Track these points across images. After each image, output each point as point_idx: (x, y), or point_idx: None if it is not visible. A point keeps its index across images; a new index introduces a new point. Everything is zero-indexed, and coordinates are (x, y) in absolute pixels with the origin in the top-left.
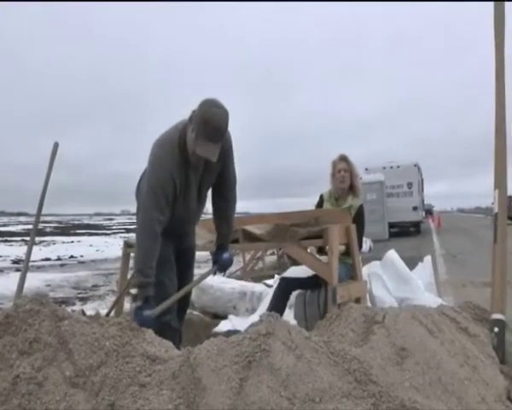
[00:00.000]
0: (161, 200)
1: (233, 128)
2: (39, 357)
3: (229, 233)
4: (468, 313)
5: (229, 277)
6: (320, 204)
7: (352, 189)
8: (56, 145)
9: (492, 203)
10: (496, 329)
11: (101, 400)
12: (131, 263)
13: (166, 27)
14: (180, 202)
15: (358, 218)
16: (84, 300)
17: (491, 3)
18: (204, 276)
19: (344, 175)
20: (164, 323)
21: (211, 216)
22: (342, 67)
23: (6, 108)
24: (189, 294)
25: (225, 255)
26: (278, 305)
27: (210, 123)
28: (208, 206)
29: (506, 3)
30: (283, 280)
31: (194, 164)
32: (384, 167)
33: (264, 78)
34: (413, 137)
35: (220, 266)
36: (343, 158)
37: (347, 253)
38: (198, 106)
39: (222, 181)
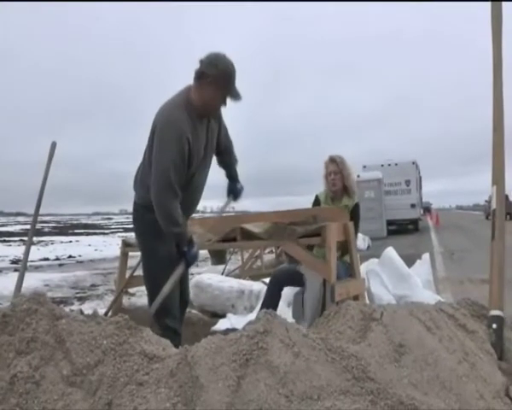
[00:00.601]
0: (178, 161)
1: (232, 126)
2: (37, 356)
3: (235, 166)
4: (466, 310)
5: (227, 275)
6: (316, 205)
7: (345, 190)
8: (54, 145)
9: (486, 201)
10: (494, 325)
11: (99, 399)
12: (130, 262)
13: (166, 27)
14: (192, 163)
15: (353, 217)
16: (82, 299)
17: (489, 3)
18: (224, 206)
19: (334, 178)
20: (166, 326)
21: (208, 215)
22: (340, 65)
23: (4, 107)
24: (187, 294)
25: (238, 185)
26: (272, 299)
27: (232, 74)
28: (206, 205)
29: (503, 3)
30: (275, 276)
31: (199, 120)
32: (382, 165)
33: (263, 76)
34: (411, 136)
35: (235, 195)
36: (333, 160)
37: (345, 250)
38: (209, 65)
39: (220, 137)
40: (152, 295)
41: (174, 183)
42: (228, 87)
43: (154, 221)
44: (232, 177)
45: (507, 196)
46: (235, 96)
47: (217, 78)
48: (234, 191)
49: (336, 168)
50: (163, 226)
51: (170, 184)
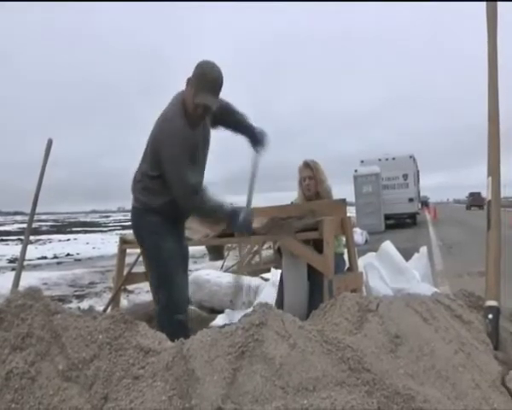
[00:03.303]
0: (188, 164)
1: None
2: (32, 352)
3: (244, 117)
4: (462, 301)
5: (225, 271)
6: None
7: (318, 195)
8: (50, 142)
9: (466, 196)
10: (490, 315)
11: (95, 393)
12: (128, 260)
13: (165, 27)
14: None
15: None
16: (80, 297)
17: (484, 3)
18: (255, 165)
19: (309, 183)
20: (178, 321)
21: None
22: (338, 63)
23: (3, 107)
24: (187, 290)
25: (257, 130)
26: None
27: (208, 75)
28: None
29: (498, 3)
30: None
31: (196, 124)
32: (380, 159)
33: (262, 75)
34: (410, 131)
35: (259, 142)
36: (307, 165)
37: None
38: (195, 68)
39: (220, 113)
40: (160, 293)
41: (195, 185)
42: (199, 86)
43: (152, 221)
44: (246, 127)
45: (479, 193)
46: (200, 98)
47: (192, 78)
48: (256, 140)
49: (311, 173)
50: (213, 220)
51: (197, 190)
